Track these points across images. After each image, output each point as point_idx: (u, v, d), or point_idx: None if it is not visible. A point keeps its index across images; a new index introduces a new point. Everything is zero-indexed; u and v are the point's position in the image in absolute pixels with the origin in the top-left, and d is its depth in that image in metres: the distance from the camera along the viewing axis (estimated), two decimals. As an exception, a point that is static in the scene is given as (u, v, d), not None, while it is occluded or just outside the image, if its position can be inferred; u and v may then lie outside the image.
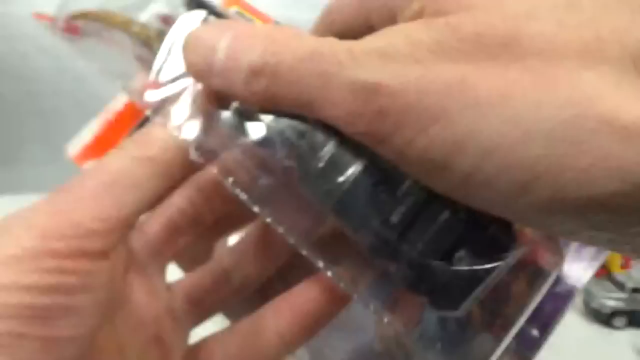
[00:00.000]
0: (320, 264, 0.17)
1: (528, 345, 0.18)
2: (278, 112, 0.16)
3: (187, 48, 0.16)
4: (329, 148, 0.16)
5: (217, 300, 0.20)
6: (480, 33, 0.13)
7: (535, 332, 0.18)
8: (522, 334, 0.17)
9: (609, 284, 0.70)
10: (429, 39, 0.13)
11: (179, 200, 0.19)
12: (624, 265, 0.80)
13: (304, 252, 0.17)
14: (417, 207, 0.16)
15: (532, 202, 0.12)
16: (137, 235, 0.18)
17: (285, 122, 0.17)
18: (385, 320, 0.17)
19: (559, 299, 0.19)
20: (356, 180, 0.16)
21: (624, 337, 0.65)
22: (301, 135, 0.17)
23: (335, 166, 0.16)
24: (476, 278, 0.16)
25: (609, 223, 0.12)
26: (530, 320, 0.17)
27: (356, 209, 0.16)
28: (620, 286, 0.68)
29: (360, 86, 0.14)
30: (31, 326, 0.14)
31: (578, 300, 0.72)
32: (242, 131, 0.17)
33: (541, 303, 0.17)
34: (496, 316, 0.17)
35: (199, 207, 0.19)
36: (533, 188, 0.12)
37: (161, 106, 0.18)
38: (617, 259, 0.82)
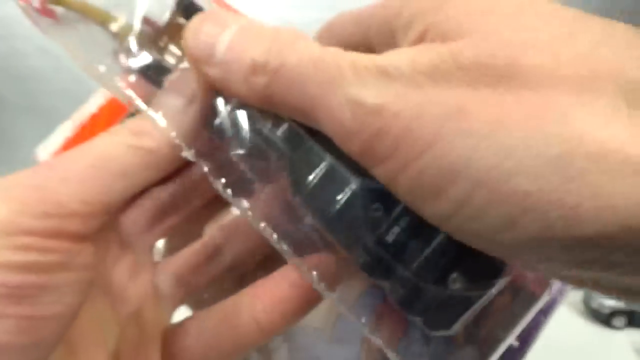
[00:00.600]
0: (302, 267, 0.17)
1: (508, 357, 0.18)
2: (270, 116, 0.16)
3: (189, 33, 0.16)
4: (325, 163, 0.16)
5: (207, 277, 0.20)
6: (479, 62, 0.13)
7: (515, 344, 0.18)
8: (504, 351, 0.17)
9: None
10: (430, 64, 0.13)
11: (169, 183, 0.19)
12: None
13: (284, 251, 0.17)
14: (412, 228, 0.16)
15: (519, 237, 0.12)
16: (123, 214, 0.18)
17: (280, 131, 0.17)
18: (370, 334, 0.17)
19: (540, 313, 0.19)
20: (351, 198, 0.16)
21: (623, 337, 0.65)
22: (297, 146, 0.16)
23: (330, 182, 0.16)
24: (469, 300, 0.16)
25: (595, 263, 0.12)
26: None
27: (350, 226, 0.16)
28: (619, 286, 0.68)
29: (360, 104, 0.14)
30: (6, 305, 0.13)
31: (578, 300, 0.72)
32: (237, 136, 0.17)
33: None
34: (479, 331, 0.17)
35: (188, 190, 0.19)
36: (521, 223, 0.12)
37: (152, 100, 0.18)
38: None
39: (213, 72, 0.16)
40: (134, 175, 0.16)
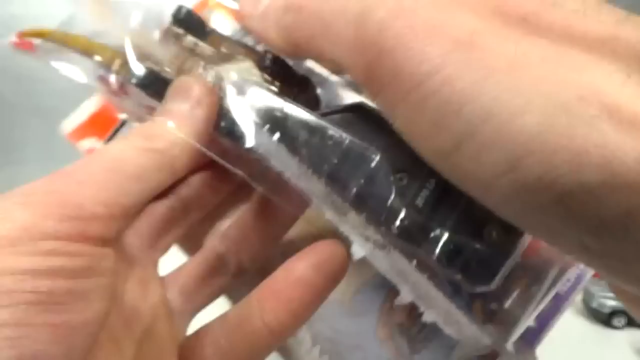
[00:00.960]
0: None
1: (527, 337, 0.18)
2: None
3: None
4: (346, 142, 0.16)
5: (213, 288, 0.20)
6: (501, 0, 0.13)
7: (533, 325, 0.18)
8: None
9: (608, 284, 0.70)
10: None
11: (169, 197, 0.19)
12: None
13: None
14: (440, 189, 0.16)
15: (517, 181, 0.12)
16: (129, 230, 0.18)
17: (294, 120, 0.17)
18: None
19: (558, 298, 0.19)
20: (375, 171, 0.16)
21: (623, 337, 0.65)
22: (313, 131, 0.17)
23: (352, 158, 0.16)
24: (506, 252, 0.16)
25: (586, 220, 0.12)
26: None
27: (378, 197, 0.16)
28: (619, 286, 0.68)
29: (362, 22, 0.13)
30: (37, 313, 0.13)
31: (578, 300, 0.72)
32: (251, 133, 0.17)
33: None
34: (497, 311, 0.17)
35: (188, 202, 0.19)
36: (523, 165, 0.12)
37: (158, 108, 0.18)
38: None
39: (255, 24, 0.17)
40: (149, 177, 0.16)
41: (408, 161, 0.16)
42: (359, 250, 0.17)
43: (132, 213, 0.16)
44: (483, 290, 0.16)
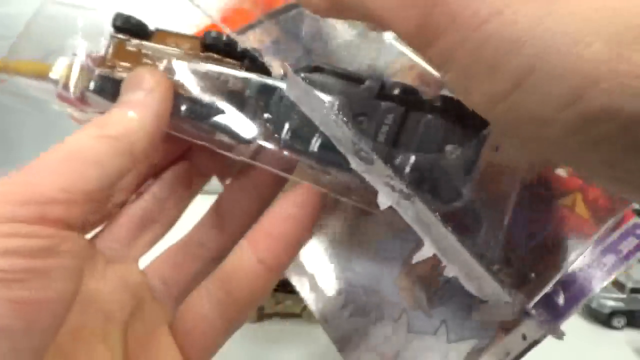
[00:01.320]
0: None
1: (553, 314, 0.19)
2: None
3: None
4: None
5: (193, 274, 0.21)
6: None
7: (561, 300, 0.18)
8: (549, 301, 0.17)
9: (608, 284, 0.70)
10: None
11: (145, 196, 0.21)
12: (623, 266, 0.80)
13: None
14: (399, 120, 0.17)
15: (581, 113, 0.12)
16: (108, 230, 0.20)
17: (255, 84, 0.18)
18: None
19: (587, 279, 0.19)
20: (333, 121, 0.17)
21: (623, 337, 0.65)
22: (269, 95, 0.18)
23: (306, 121, 0.18)
24: (468, 165, 0.17)
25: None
26: (560, 289, 0.17)
27: (339, 140, 0.17)
28: (619, 286, 0.68)
29: None
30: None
31: (577, 301, 0.72)
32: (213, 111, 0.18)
33: (574, 276, 0.17)
34: (522, 278, 0.17)
35: (164, 201, 0.20)
36: (588, 95, 0.11)
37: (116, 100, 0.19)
38: (616, 259, 0.82)
39: None
40: (108, 162, 0.16)
41: (365, 105, 0.17)
42: (384, 200, 0.17)
43: (96, 198, 0.16)
44: (455, 206, 0.17)
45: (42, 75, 0.20)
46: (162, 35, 0.21)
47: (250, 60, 0.20)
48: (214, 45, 0.20)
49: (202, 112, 0.19)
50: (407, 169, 0.17)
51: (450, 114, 0.17)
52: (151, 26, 0.21)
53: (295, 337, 0.69)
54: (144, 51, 0.20)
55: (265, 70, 0.20)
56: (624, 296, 0.67)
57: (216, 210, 0.22)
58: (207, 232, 0.21)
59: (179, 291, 0.21)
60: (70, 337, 0.17)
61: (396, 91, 0.18)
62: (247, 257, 0.19)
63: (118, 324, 0.18)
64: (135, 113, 0.17)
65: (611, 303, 0.67)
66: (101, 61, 0.20)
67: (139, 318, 0.19)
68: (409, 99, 0.17)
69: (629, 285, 0.68)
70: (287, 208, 0.19)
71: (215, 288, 0.19)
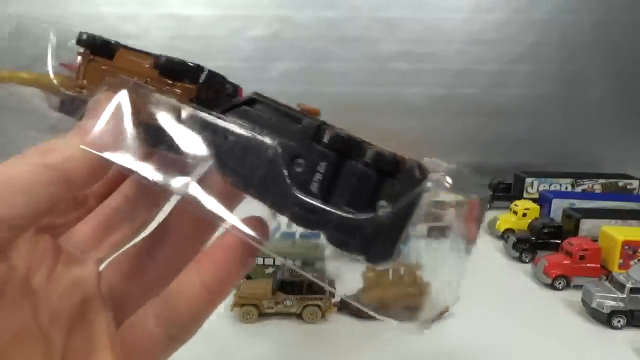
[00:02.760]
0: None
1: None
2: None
3: None
4: (243, 134, 0.17)
5: (137, 283, 0.22)
6: None
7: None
8: None
9: (608, 284, 0.71)
10: None
11: (115, 195, 0.21)
12: (623, 266, 0.80)
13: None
14: (332, 169, 0.17)
15: None
16: (76, 228, 0.20)
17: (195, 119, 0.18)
18: None
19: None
20: (272, 161, 0.17)
21: (622, 337, 0.65)
22: (214, 129, 0.18)
23: (250, 150, 0.17)
24: (400, 224, 0.16)
25: None
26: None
27: (276, 186, 0.17)
28: (619, 286, 0.68)
29: None
30: None
31: (577, 300, 0.73)
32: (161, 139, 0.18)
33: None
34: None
35: (135, 201, 0.21)
36: None
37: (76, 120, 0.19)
38: (616, 260, 0.82)
39: None
40: (37, 191, 0.17)
41: (302, 145, 0.17)
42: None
43: (22, 224, 0.17)
44: (386, 266, 0.17)
45: (39, 84, 0.21)
46: (124, 52, 0.21)
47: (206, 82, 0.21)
48: (166, 67, 0.20)
49: (154, 139, 0.18)
50: (337, 228, 0.17)
51: (386, 167, 0.16)
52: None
53: (295, 337, 0.69)
54: (109, 69, 0.21)
55: (220, 92, 0.20)
56: (624, 296, 0.67)
57: (166, 223, 0.22)
58: (155, 245, 0.22)
59: (123, 299, 0.21)
60: (11, 337, 0.17)
61: (331, 135, 0.17)
62: (193, 280, 0.19)
63: (62, 328, 0.19)
64: (80, 141, 0.18)
65: (611, 303, 0.67)
66: (70, 80, 0.21)
67: (82, 327, 0.19)
68: (345, 145, 0.17)
69: (629, 285, 0.68)
70: (230, 239, 0.19)
71: (161, 307, 0.20)
